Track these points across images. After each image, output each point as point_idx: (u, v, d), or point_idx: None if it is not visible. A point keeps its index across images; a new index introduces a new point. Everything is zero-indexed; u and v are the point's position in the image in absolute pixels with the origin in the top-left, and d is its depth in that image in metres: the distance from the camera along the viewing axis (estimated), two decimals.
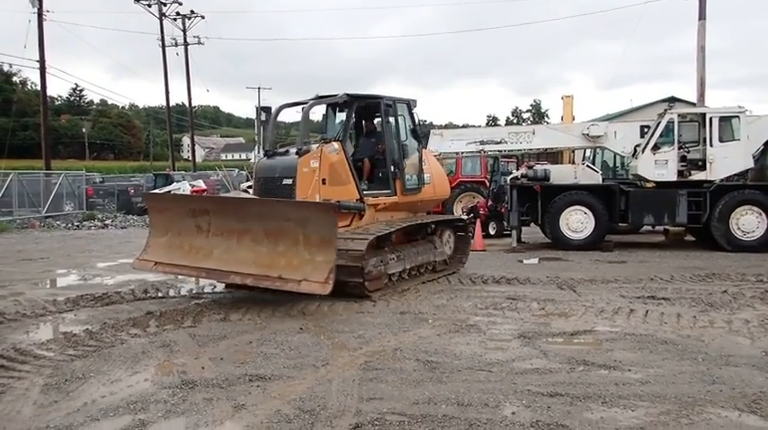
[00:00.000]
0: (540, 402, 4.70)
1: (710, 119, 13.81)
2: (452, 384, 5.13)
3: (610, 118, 31.66)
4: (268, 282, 7.84)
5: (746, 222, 13.36)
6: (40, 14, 27.69)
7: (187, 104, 46.46)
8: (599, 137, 15.57)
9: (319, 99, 9.78)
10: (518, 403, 4.69)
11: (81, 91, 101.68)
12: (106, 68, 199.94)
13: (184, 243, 8.56)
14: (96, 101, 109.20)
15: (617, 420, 4.37)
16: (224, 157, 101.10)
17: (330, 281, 7.43)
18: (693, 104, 22.68)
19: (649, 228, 16.24)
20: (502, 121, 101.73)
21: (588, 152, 20.53)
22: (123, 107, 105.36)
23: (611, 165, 21.40)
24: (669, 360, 5.74)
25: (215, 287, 9.67)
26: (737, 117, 13.83)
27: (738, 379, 5.19)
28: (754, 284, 9.41)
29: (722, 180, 13.87)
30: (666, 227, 15.53)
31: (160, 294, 9.21)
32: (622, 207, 14.09)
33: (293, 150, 9.06)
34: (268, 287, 7.96)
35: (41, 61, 27.95)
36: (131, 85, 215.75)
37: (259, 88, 62.18)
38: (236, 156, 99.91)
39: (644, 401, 4.71)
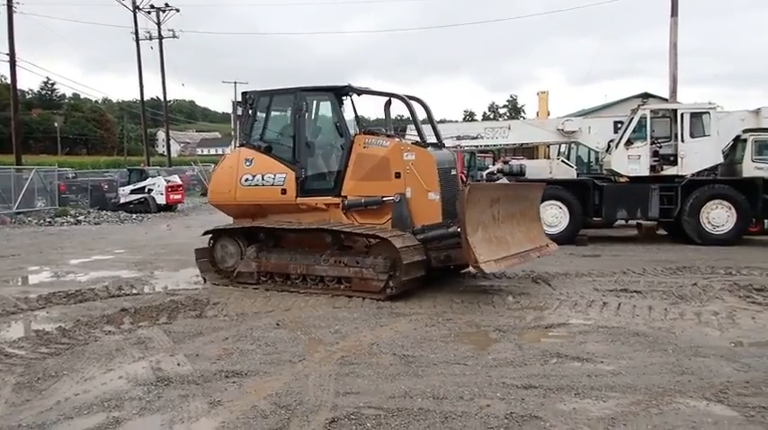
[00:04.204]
0: (515, 394, 4.77)
1: (682, 115, 14.05)
2: (428, 378, 5.17)
3: (584, 113, 32.03)
4: (546, 250, 9.29)
5: (716, 216, 13.60)
6: (9, 6, 27.19)
7: (162, 98, 45.94)
8: (573, 132, 15.76)
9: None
10: (493, 396, 4.75)
11: (53, 85, 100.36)
12: (79, 62, 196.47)
13: (490, 235, 8.27)
14: (69, 95, 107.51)
15: (589, 411, 4.45)
16: (200, 152, 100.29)
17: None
18: (666, 100, 23.01)
19: (623, 222, 16.45)
20: (479, 117, 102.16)
21: (563, 147, 20.77)
22: (96, 101, 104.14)
23: (586, 160, 21.65)
24: (640, 351, 5.85)
25: (192, 283, 9.63)
26: (708, 113, 14.09)
27: (707, 369, 5.31)
28: (723, 277, 9.60)
29: (693, 175, 14.10)
30: (639, 221, 15.76)
31: (134, 291, 9.13)
32: (596, 201, 14.26)
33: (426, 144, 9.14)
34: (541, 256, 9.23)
35: (11, 54, 27.45)
36: (105, 79, 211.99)
37: (235, 82, 61.51)
38: (213, 151, 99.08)
39: (615, 392, 4.81)
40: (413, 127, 9.72)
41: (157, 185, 26.58)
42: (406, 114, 9.62)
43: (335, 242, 8.80)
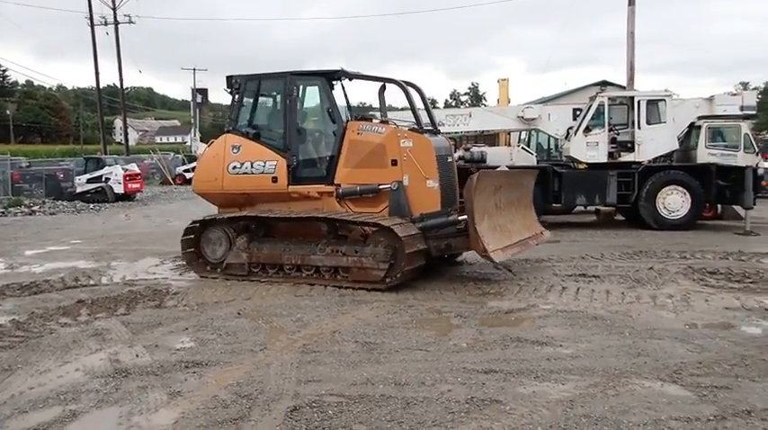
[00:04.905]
0: (475, 379, 4.82)
1: (639, 102, 14.31)
2: (390, 364, 5.19)
3: (544, 101, 32.39)
4: (541, 238, 9.29)
5: (672, 202, 13.91)
6: None
7: (119, 85, 44.90)
8: (533, 119, 15.93)
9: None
10: (454, 381, 4.80)
11: (4, 71, 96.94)
12: (31, 48, 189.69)
13: (494, 223, 8.22)
14: (22, 82, 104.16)
15: (548, 394, 4.53)
16: (159, 140, 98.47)
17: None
18: (624, 88, 23.39)
19: (582, 208, 16.72)
20: (440, 104, 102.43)
21: (524, 134, 20.98)
22: (51, 88, 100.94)
23: (546, 146, 21.94)
24: (598, 335, 5.97)
25: (150, 273, 9.48)
26: (664, 100, 14.39)
27: (662, 351, 5.45)
28: (678, 261, 9.84)
29: (650, 161, 14.39)
30: (598, 207, 16.05)
31: (92, 282, 8.94)
32: (556, 188, 14.44)
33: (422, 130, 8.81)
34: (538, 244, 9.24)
35: None
36: (59, 66, 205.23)
37: (194, 69, 60.26)
38: (172, 139, 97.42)
39: (574, 375, 4.90)
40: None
41: (115, 174, 26.01)
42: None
43: (330, 231, 8.61)
